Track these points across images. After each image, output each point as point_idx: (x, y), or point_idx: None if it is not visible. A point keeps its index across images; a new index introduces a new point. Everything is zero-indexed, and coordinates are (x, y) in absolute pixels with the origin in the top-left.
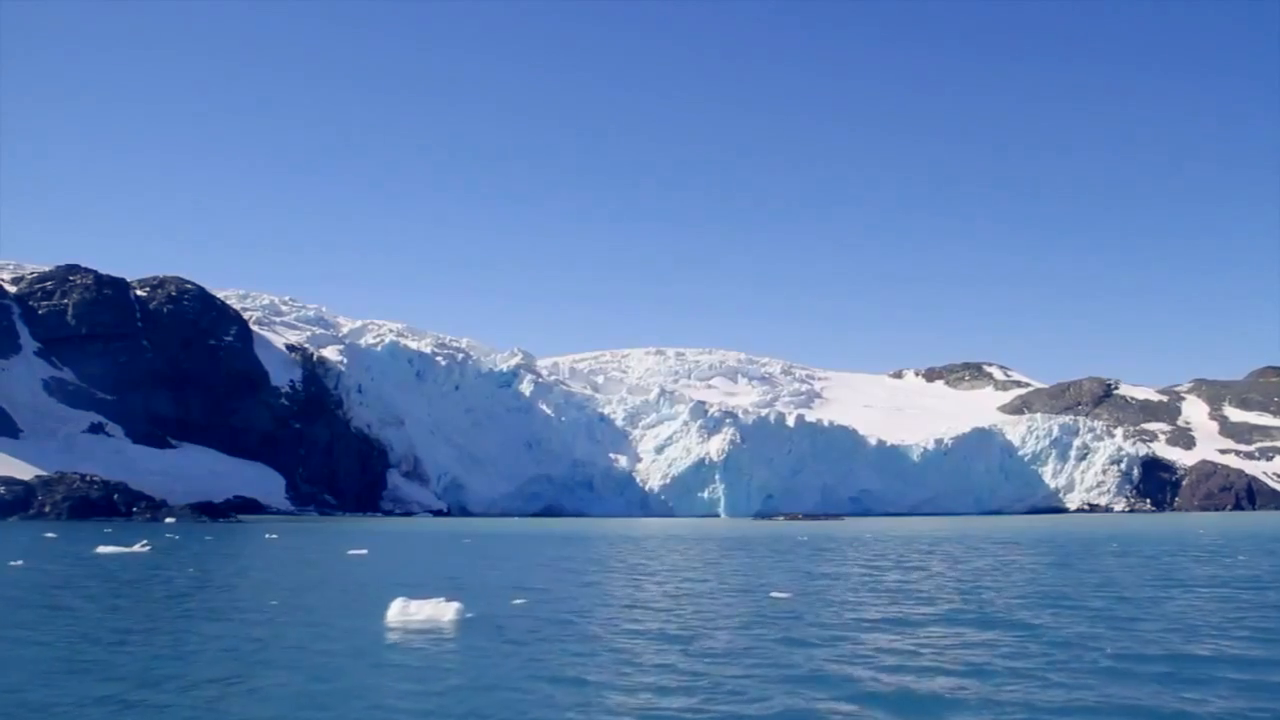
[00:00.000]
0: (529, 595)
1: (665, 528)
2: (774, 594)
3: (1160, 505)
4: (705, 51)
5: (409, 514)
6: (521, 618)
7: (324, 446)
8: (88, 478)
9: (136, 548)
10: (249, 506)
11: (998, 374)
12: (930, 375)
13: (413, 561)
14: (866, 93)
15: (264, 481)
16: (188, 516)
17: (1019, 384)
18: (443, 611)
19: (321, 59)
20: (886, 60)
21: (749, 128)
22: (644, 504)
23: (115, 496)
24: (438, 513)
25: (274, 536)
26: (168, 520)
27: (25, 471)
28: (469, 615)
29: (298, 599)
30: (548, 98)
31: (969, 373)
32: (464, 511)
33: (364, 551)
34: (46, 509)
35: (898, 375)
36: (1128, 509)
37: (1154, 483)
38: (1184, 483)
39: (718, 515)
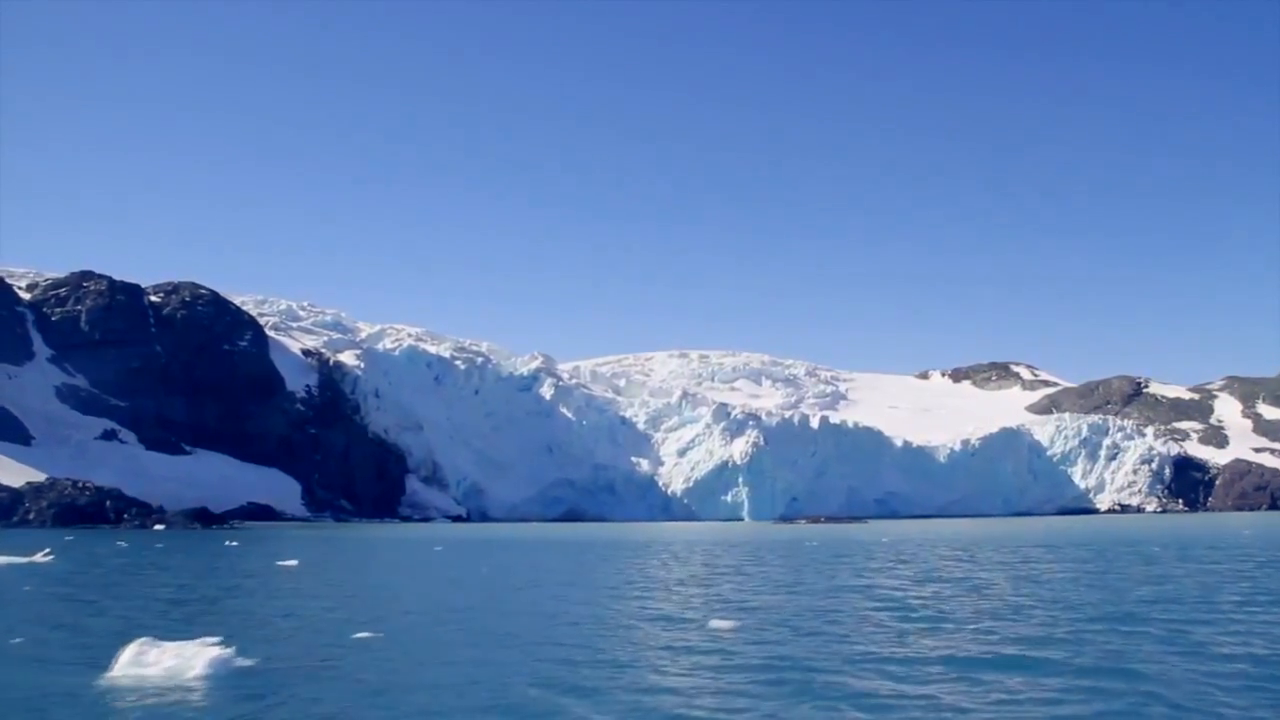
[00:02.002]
0: (402, 623)
1: (679, 532)
2: (714, 623)
3: (1193, 505)
4: (728, 53)
5: (427, 519)
6: (321, 667)
7: (340, 452)
8: (80, 484)
9: (38, 557)
10: (263, 513)
11: (1025, 373)
12: (957, 375)
13: (331, 575)
14: (890, 94)
15: (279, 488)
16: (180, 523)
17: (1047, 383)
18: (191, 660)
19: (340, 63)
20: (909, 61)
21: (774, 130)
22: (666, 508)
23: (107, 503)
24: (456, 518)
25: (234, 544)
26: (157, 528)
27: (33, 478)
28: (241, 663)
29: (67, 631)
30: (568, 101)
31: (996, 372)
32: (484, 517)
33: (294, 562)
34: (31, 516)
35: (924, 376)
36: (1160, 509)
37: (1186, 482)
38: (1217, 482)
39: (741, 519)
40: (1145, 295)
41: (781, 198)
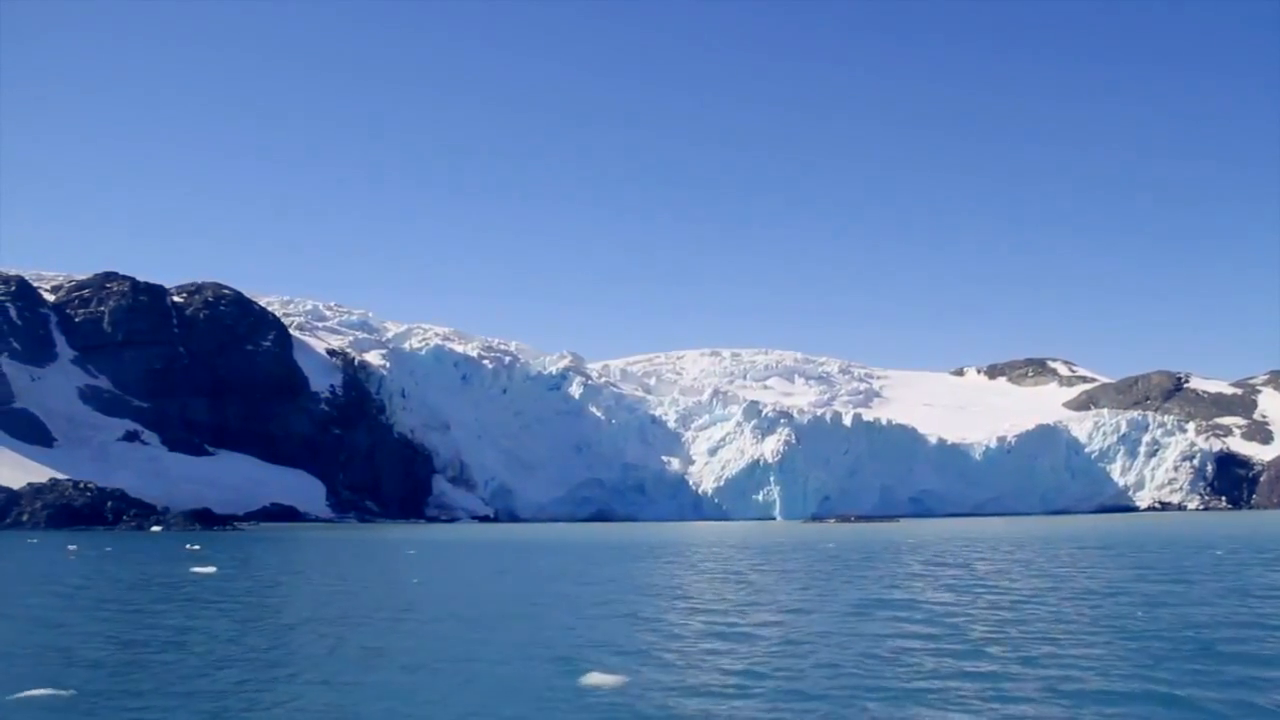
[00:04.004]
0: (111, 672)
1: (701, 533)
2: (594, 677)
3: (1236, 503)
4: (758, 53)
5: (454, 520)
6: None
7: (365, 452)
8: (81, 485)
9: None
10: (286, 514)
11: (1062, 369)
12: (992, 372)
13: (220, 585)
14: (921, 93)
15: (303, 489)
16: (181, 525)
17: (1085, 379)
18: None
19: (369, 62)
20: (938, 60)
21: (805, 128)
22: (697, 507)
23: (109, 504)
24: (484, 518)
25: (196, 547)
26: (153, 529)
27: (49, 480)
28: None
29: None
30: (598, 100)
31: (1032, 369)
32: (513, 517)
33: (212, 569)
34: (25, 518)
35: (959, 373)
36: (1202, 507)
37: (1229, 479)
38: (1261, 479)
39: (773, 518)
40: (1185, 288)
41: (813, 195)
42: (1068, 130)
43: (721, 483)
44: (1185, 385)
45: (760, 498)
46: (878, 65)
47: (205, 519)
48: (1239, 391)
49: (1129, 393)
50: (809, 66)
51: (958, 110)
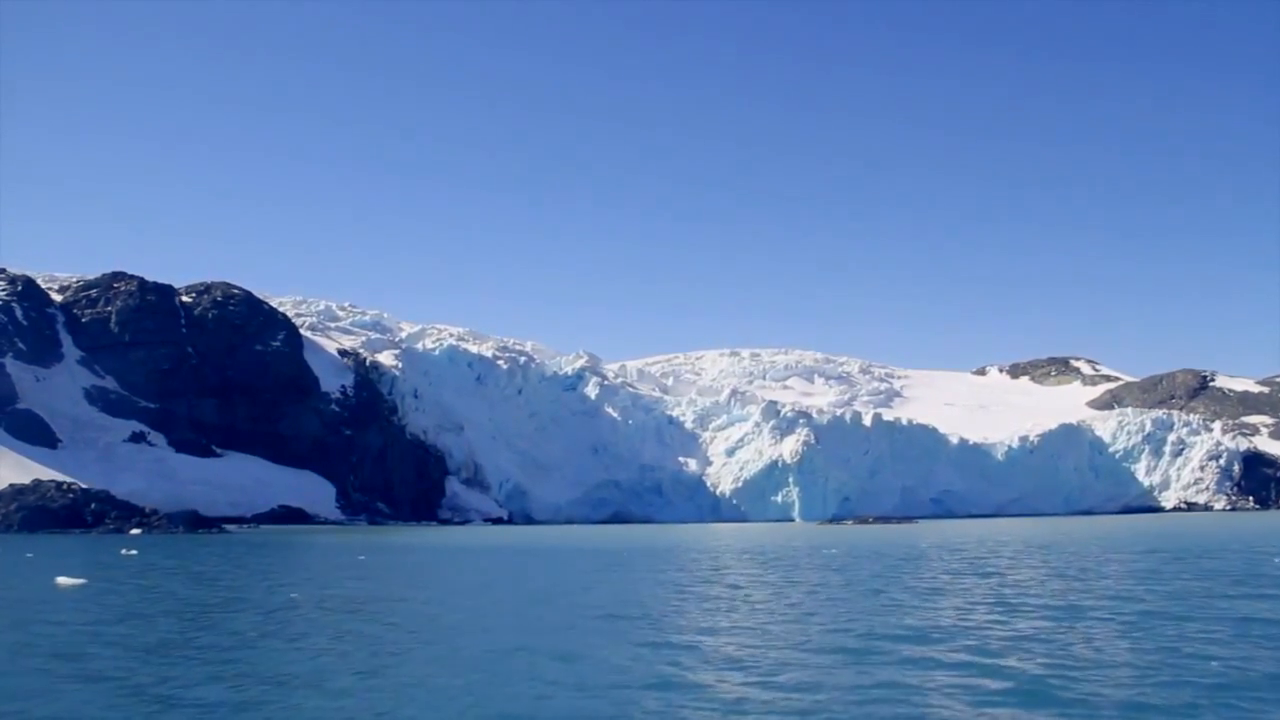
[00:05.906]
0: None
1: (711, 536)
2: None
3: (1264, 503)
4: (775, 53)
5: (466, 523)
6: None
7: (377, 454)
8: (64, 486)
9: None
10: (295, 516)
11: (1086, 368)
12: (1015, 371)
13: (58, 604)
14: (942, 93)
15: (313, 490)
16: (164, 527)
17: (1108, 378)
18: None
19: (384, 61)
20: (959, 61)
21: (824, 129)
22: (715, 509)
23: (91, 506)
24: (498, 520)
25: (133, 552)
26: (133, 532)
27: (57, 481)
28: None
29: None
30: (615, 100)
31: (1055, 367)
32: (528, 519)
33: (80, 582)
34: None
35: (981, 372)
36: (1228, 507)
37: (1257, 479)
38: None
39: (792, 520)
40: (1210, 286)
41: (833, 195)
42: (1090, 130)
43: (740, 484)
44: (1211, 383)
45: (779, 499)
46: (896, 66)
47: (191, 522)
48: (1266, 390)
49: (1153, 391)
50: (828, 68)
51: (977, 110)
